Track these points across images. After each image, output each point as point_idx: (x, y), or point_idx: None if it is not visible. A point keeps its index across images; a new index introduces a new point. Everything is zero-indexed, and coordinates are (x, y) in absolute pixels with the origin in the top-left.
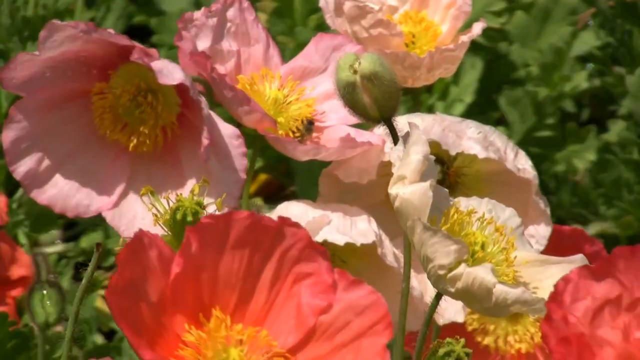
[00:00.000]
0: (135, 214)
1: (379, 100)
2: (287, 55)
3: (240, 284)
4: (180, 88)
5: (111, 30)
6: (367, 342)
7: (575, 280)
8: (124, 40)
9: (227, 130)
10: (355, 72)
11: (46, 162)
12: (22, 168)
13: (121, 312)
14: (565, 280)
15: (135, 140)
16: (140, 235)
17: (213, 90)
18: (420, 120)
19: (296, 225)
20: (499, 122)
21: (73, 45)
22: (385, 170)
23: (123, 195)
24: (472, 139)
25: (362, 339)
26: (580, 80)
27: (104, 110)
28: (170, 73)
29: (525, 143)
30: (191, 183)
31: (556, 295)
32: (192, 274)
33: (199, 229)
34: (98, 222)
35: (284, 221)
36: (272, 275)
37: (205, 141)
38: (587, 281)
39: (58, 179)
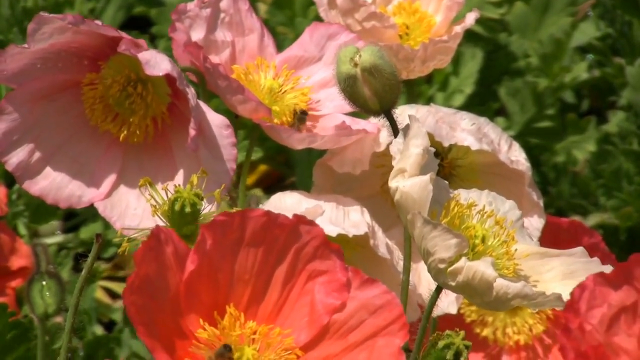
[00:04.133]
0: (128, 205)
1: (380, 93)
2: (286, 45)
3: (254, 280)
4: (168, 78)
5: (99, 22)
6: (382, 342)
7: (591, 287)
8: (112, 32)
9: (216, 120)
10: (355, 65)
11: (38, 154)
12: (14, 159)
13: (137, 312)
14: (581, 287)
15: (125, 131)
16: (157, 232)
17: (208, 81)
18: (415, 111)
19: (311, 223)
20: (499, 112)
21: (62, 37)
22: (379, 162)
23: (115, 186)
24: (466, 131)
25: (376, 339)
26: (580, 71)
27: (95, 101)
28: (157, 64)
29: (525, 134)
30: (182, 173)
31: (572, 303)
32: (206, 271)
33: (213, 226)
34: (98, 213)
35: (299, 219)
36: (286, 273)
37: (192, 132)
38: (603, 288)
39: (50, 170)
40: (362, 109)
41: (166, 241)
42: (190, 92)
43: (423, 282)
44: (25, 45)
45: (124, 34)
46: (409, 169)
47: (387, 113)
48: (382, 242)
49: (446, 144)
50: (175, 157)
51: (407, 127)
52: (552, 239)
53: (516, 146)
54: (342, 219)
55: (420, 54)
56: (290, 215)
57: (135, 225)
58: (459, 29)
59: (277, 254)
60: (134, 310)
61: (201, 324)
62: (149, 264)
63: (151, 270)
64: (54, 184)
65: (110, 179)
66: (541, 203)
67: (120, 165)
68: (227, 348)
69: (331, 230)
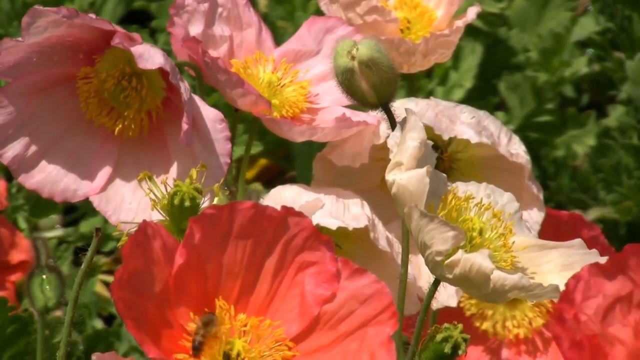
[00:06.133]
0: (123, 199)
1: (377, 86)
2: (286, 40)
3: (244, 273)
4: (162, 72)
5: (93, 15)
6: (372, 331)
7: (586, 278)
8: (106, 25)
9: (210, 114)
10: (353, 58)
11: (33, 147)
12: (9, 153)
13: (126, 306)
14: (576, 278)
15: (120, 125)
16: (144, 227)
17: (206, 75)
18: (414, 104)
19: (300, 214)
20: (499, 107)
21: (58, 31)
22: (378, 155)
23: (110, 180)
24: (466, 124)
25: (366, 328)
26: (580, 66)
27: (89, 95)
28: (150, 57)
29: (524, 128)
30: (177, 167)
31: (567, 294)
32: (195, 264)
33: (202, 219)
34: None
35: (288, 211)
36: (276, 265)
37: (184, 126)
38: (598, 279)
39: (45, 163)
40: (359, 102)
41: (154, 235)
42: (184, 86)
43: (423, 275)
44: (20, 39)
45: (118, 28)
46: (406, 162)
47: (384, 106)
48: (382, 235)
49: (446, 137)
50: (170, 151)
51: (404, 120)
52: (552, 232)
53: (516, 139)
54: (342, 212)
55: (422, 48)
56: None
57: (130, 219)
58: (460, 23)
59: (266, 246)
60: (122, 305)
61: (191, 317)
62: (136, 259)
63: (139, 265)
64: (50, 178)
65: (106, 172)
66: (541, 196)
67: (116, 159)
68: (213, 314)
69: (331, 224)
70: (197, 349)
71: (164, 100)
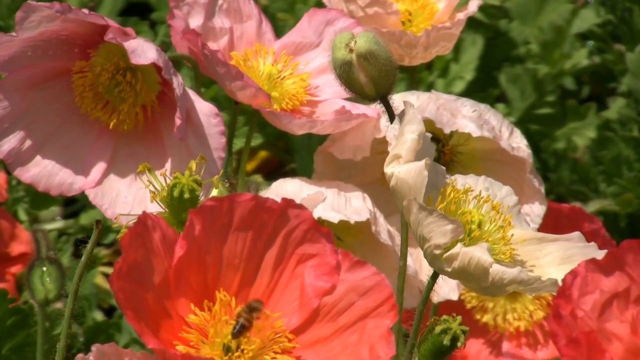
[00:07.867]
0: (118, 193)
1: (375, 79)
2: (286, 32)
3: (244, 265)
4: (157, 67)
5: (86, 10)
6: (372, 323)
7: (583, 273)
8: (100, 20)
9: (205, 108)
10: (351, 51)
11: (29, 141)
12: (5, 147)
13: (125, 297)
14: (573, 274)
15: (115, 119)
16: (144, 218)
17: (205, 68)
18: (416, 98)
19: (300, 207)
20: (499, 99)
21: (52, 25)
22: (379, 148)
23: (106, 174)
24: (467, 118)
25: (366, 320)
26: (581, 58)
27: (84, 89)
28: (143, 52)
29: (525, 120)
30: (172, 161)
31: (564, 290)
32: (195, 256)
33: (202, 211)
34: None
35: (288, 203)
36: (276, 257)
37: (177, 121)
38: (595, 275)
39: (41, 157)
40: (358, 95)
41: (153, 227)
42: (177, 81)
43: (424, 268)
44: (14, 34)
45: (111, 22)
46: (404, 154)
47: (383, 99)
48: (384, 229)
49: (447, 131)
50: (165, 145)
51: (403, 113)
52: (553, 225)
53: (517, 133)
54: (344, 205)
55: (423, 41)
56: None
57: (126, 213)
58: (461, 15)
59: (266, 239)
60: (122, 296)
61: (192, 308)
62: (136, 250)
63: (139, 256)
64: (45, 172)
65: (101, 166)
66: (542, 190)
67: (111, 153)
68: (260, 303)
69: (333, 217)
70: (240, 331)
71: (159, 95)
